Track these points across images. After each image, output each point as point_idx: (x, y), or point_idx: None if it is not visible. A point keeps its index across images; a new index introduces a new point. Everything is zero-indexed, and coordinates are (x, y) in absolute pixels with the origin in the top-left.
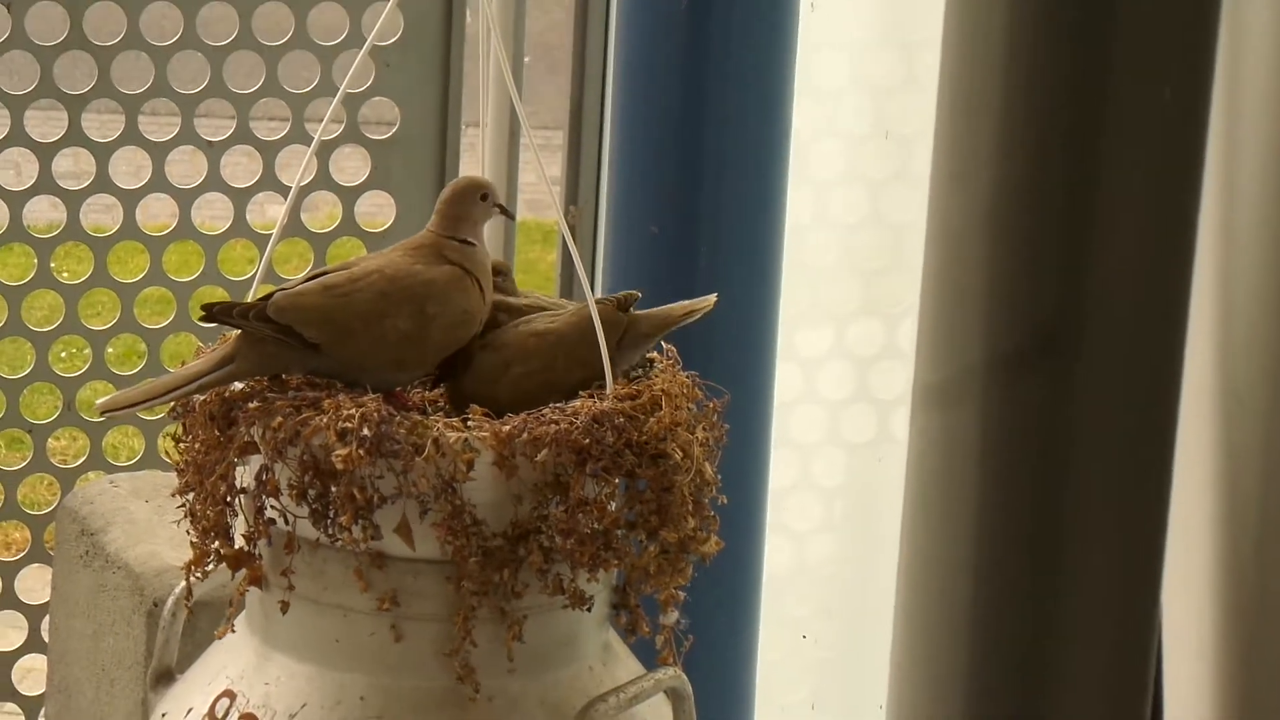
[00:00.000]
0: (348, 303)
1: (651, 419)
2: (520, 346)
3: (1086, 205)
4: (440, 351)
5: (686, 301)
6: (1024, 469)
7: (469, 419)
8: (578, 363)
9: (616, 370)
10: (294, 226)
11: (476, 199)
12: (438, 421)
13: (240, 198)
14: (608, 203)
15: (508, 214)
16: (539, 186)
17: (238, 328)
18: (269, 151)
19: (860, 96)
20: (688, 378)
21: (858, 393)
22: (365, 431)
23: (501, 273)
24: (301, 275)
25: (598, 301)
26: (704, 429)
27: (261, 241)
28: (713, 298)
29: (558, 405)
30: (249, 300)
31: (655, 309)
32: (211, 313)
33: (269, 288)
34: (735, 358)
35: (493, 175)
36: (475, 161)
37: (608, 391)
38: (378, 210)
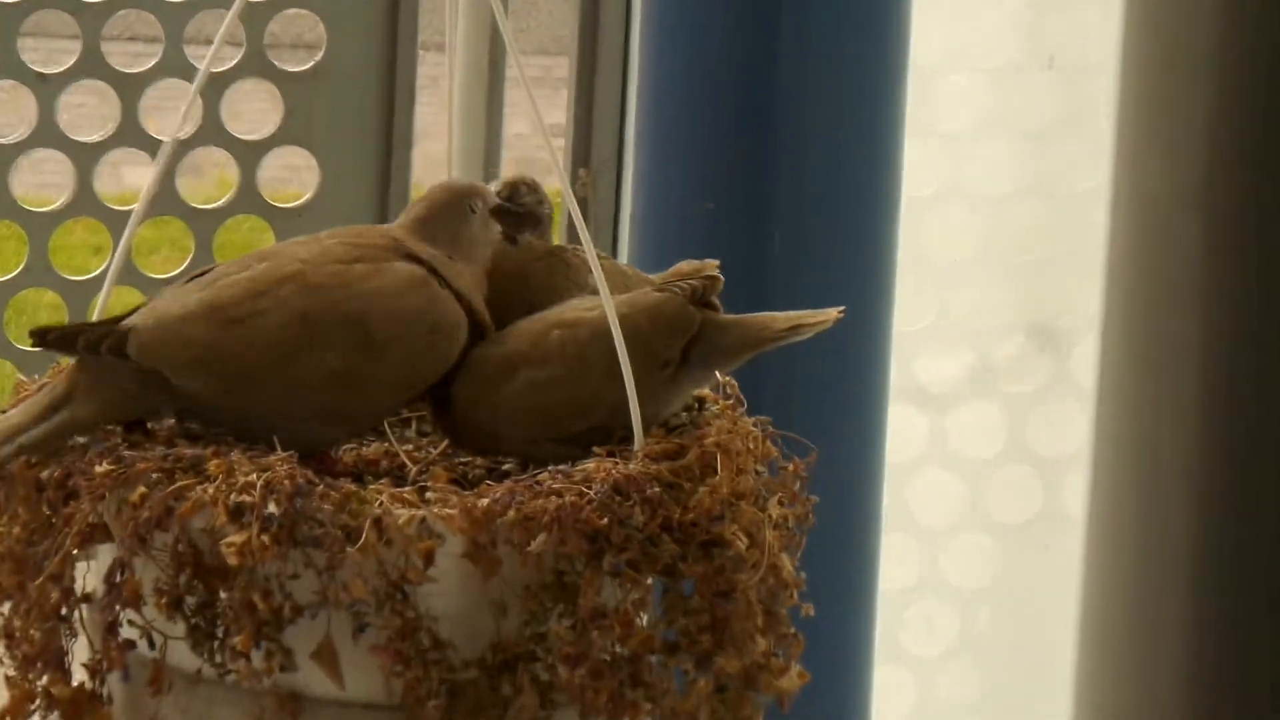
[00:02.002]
0: (247, 334)
1: (702, 488)
2: (536, 341)
3: None
4: (398, 394)
5: (795, 312)
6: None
7: (427, 487)
8: (619, 377)
9: (670, 399)
10: (166, 199)
11: (463, 213)
12: (381, 493)
13: (85, 156)
14: (635, 165)
15: (516, 215)
16: (533, 140)
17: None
18: (129, 88)
19: (1011, 7)
20: (755, 426)
21: (1011, 448)
22: (271, 508)
23: (528, 218)
24: (177, 275)
25: (662, 287)
26: (780, 503)
27: (116, 222)
28: (834, 312)
29: (560, 469)
30: (97, 316)
31: (747, 315)
32: (45, 340)
33: (129, 295)
34: (827, 395)
35: (464, 123)
36: (439, 101)
37: (636, 446)
38: (292, 175)
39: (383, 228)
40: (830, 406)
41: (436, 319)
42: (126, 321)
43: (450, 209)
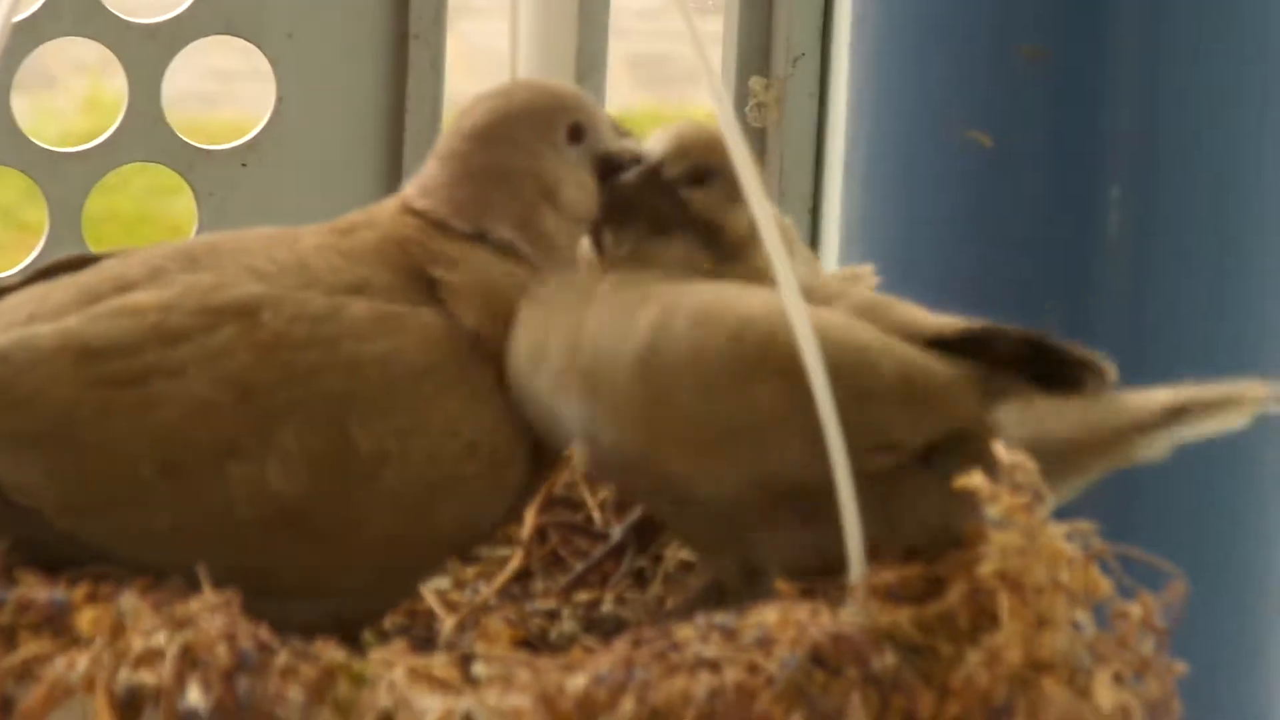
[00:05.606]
0: (138, 408)
1: (973, 655)
2: (690, 297)
3: None
4: (395, 561)
5: (1181, 387)
6: None
7: (473, 655)
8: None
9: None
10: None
11: (556, 134)
12: (392, 665)
13: None
14: (852, 69)
15: (617, 165)
16: (667, 23)
17: None
18: None
19: None
20: (1068, 539)
21: None
22: (193, 697)
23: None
24: (15, 273)
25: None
26: (1117, 680)
27: None
28: (1259, 387)
29: (716, 622)
30: None
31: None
32: None
33: None
34: (1192, 489)
35: (540, 11)
36: None
37: (853, 576)
38: (225, 90)
39: (394, 202)
40: (1201, 506)
41: (478, 434)
42: None
43: (532, 127)
